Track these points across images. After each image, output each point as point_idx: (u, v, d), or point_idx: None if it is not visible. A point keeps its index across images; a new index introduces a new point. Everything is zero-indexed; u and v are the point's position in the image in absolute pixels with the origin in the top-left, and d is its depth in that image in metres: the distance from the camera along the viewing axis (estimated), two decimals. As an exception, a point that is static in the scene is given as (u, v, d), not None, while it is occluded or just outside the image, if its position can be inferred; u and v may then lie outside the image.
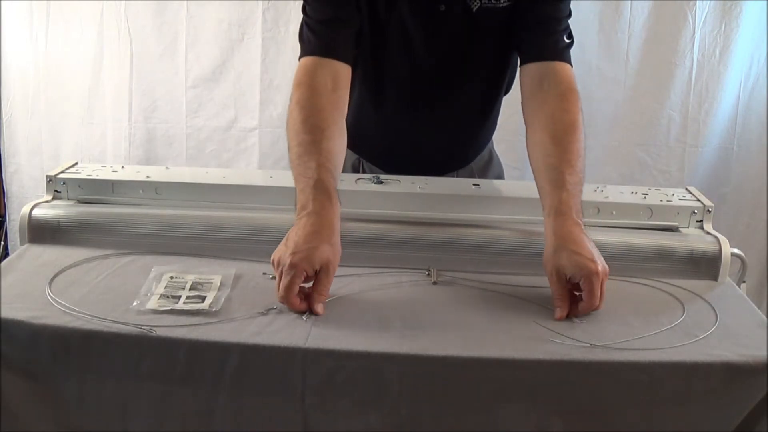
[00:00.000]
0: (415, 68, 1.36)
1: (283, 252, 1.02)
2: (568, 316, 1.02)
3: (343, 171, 1.44)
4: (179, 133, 2.47)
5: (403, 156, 1.48)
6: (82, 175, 1.29)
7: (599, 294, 1.01)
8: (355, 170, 1.53)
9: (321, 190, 1.07)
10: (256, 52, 2.37)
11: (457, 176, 1.53)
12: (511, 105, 1.54)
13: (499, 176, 1.61)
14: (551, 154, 1.13)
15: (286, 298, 1.00)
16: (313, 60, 1.25)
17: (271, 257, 1.04)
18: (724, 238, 1.21)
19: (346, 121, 1.26)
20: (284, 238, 1.05)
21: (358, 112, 1.43)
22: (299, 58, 1.29)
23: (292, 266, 0.99)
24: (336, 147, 1.16)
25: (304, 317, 1.00)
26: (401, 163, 1.44)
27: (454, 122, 1.45)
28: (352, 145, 1.30)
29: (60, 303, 1.00)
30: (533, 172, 1.17)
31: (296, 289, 0.99)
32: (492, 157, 1.61)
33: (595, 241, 1.09)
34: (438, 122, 1.43)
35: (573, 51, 1.29)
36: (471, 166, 1.56)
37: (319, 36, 1.25)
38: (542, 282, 1.15)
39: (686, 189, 1.35)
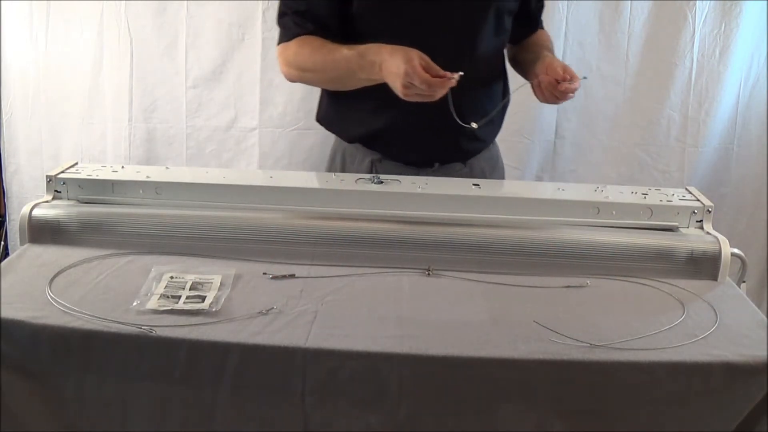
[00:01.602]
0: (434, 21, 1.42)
1: (396, 74, 1.24)
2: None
3: (359, 170, 1.50)
4: (179, 133, 2.47)
5: (417, 139, 1.49)
6: (82, 175, 1.29)
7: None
8: (369, 171, 1.52)
9: (369, 53, 1.32)
10: (256, 52, 2.37)
11: (470, 169, 1.54)
12: (511, 105, 1.55)
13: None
14: (535, 42, 1.61)
15: (436, 85, 1.22)
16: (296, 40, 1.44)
17: (398, 90, 1.25)
18: (724, 238, 1.21)
19: (361, 116, 1.46)
20: (384, 77, 1.28)
21: (374, 100, 1.44)
22: (279, 44, 1.47)
23: (414, 68, 1.22)
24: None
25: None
26: (418, 146, 1.48)
27: (470, 84, 1.40)
28: (367, 140, 1.47)
29: (60, 303, 1.00)
30: (520, 54, 1.59)
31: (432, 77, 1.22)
32: (498, 159, 1.65)
33: (595, 241, 1.18)
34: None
35: (573, 50, 1.37)
36: (481, 163, 1.56)
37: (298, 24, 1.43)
38: (542, 282, 1.15)
39: (686, 189, 1.35)
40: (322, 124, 1.62)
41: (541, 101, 1.44)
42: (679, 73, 2.35)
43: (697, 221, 1.27)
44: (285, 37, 1.47)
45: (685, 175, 2.41)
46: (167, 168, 1.38)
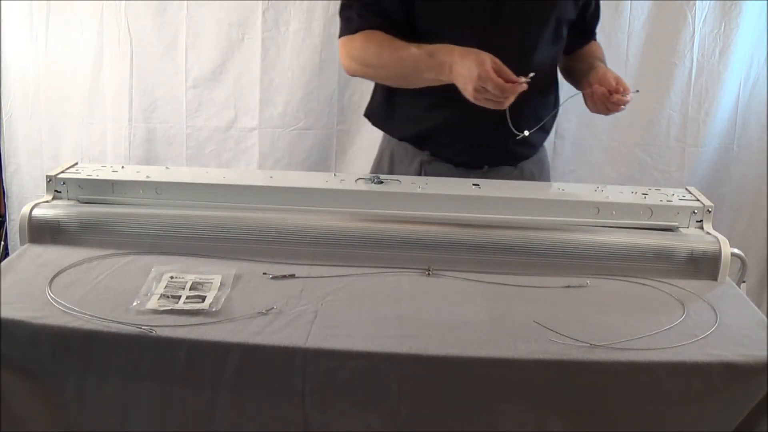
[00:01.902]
0: (499, 30, 1.42)
1: (468, 78, 1.24)
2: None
3: (407, 171, 1.50)
4: (179, 133, 2.47)
5: (472, 140, 1.48)
6: (82, 175, 1.29)
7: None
8: (417, 173, 1.52)
9: (440, 52, 1.32)
10: (256, 52, 2.37)
11: (520, 171, 1.55)
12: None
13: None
14: (588, 53, 1.62)
15: (508, 90, 1.23)
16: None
17: (469, 93, 1.25)
18: (724, 238, 1.21)
19: (415, 114, 1.47)
20: (454, 79, 1.28)
21: (429, 98, 1.44)
22: (342, 36, 1.46)
23: (486, 72, 1.22)
24: None
25: None
26: (470, 147, 1.49)
27: (527, 92, 1.40)
28: (418, 139, 1.49)
29: (60, 303, 1.00)
30: (573, 64, 1.60)
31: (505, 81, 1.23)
32: (546, 163, 1.66)
33: (595, 241, 1.19)
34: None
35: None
36: (530, 167, 1.57)
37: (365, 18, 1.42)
38: (542, 282, 1.15)
39: (686, 189, 1.35)
40: (371, 120, 1.61)
41: (592, 111, 1.47)
42: (679, 73, 2.35)
43: (697, 221, 1.28)
44: (348, 29, 1.45)
45: (685, 175, 2.41)
46: (167, 168, 1.38)
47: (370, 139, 2.45)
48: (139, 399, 0.97)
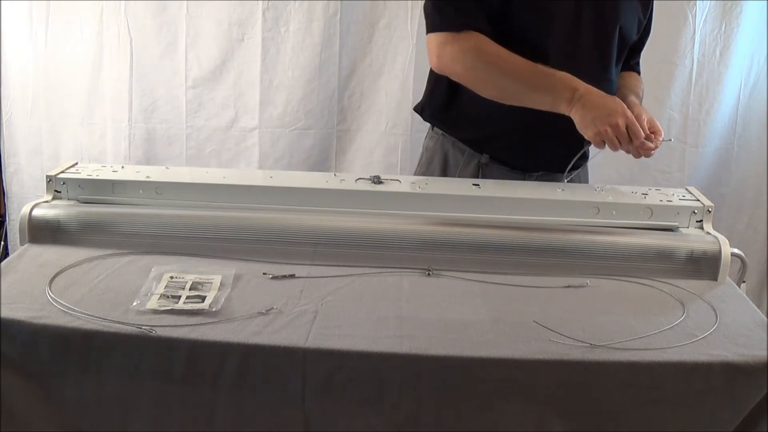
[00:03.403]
0: (576, 48, 1.41)
1: (613, 109, 1.26)
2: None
3: (463, 174, 1.50)
4: (179, 133, 2.47)
5: (537, 146, 1.48)
6: (82, 175, 1.29)
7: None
8: (474, 175, 1.51)
9: (573, 79, 1.31)
10: (256, 52, 2.37)
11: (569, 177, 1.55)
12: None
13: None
14: (624, 85, 1.58)
15: (640, 137, 1.25)
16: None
17: (596, 133, 1.26)
18: (724, 238, 1.21)
19: (477, 115, 1.46)
20: (579, 116, 1.28)
21: (487, 109, 1.43)
22: (437, 31, 1.39)
23: (624, 116, 1.25)
24: None
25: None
26: (532, 153, 1.48)
27: None
28: (482, 141, 1.48)
29: (60, 303, 1.00)
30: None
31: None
32: (587, 170, 1.68)
33: (595, 241, 1.19)
34: None
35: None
36: (579, 174, 1.57)
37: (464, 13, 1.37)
38: (542, 282, 1.15)
39: (686, 189, 1.35)
40: (424, 115, 1.59)
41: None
42: (680, 73, 2.35)
43: (697, 221, 1.27)
44: (443, 25, 1.38)
45: (685, 175, 2.42)
46: (167, 168, 1.38)
47: (370, 139, 2.46)
48: (139, 399, 0.97)
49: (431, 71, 1.53)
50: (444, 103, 1.53)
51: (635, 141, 1.26)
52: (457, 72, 1.40)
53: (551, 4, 1.39)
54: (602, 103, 1.28)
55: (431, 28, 1.41)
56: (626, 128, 1.26)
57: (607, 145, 1.29)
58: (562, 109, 1.31)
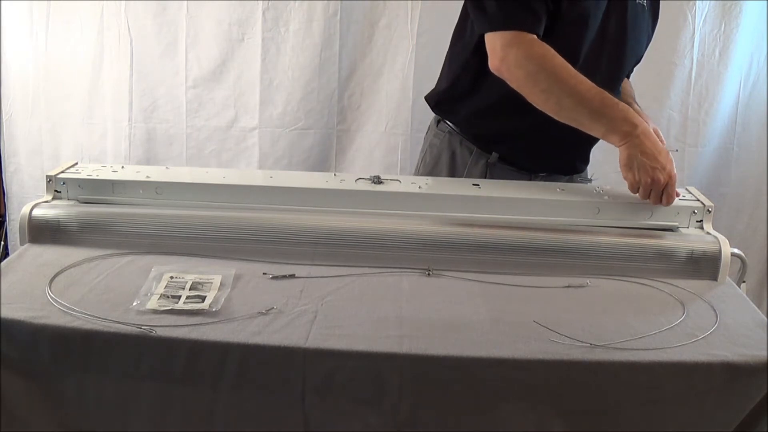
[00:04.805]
0: (598, 62, 1.41)
1: (648, 170, 1.23)
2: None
3: (470, 174, 1.50)
4: (179, 133, 2.47)
5: (547, 149, 1.48)
6: (82, 175, 1.29)
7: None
8: (482, 174, 1.51)
9: (635, 115, 1.28)
10: (256, 52, 2.37)
11: (571, 180, 1.56)
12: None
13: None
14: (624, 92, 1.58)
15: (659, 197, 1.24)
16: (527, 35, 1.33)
17: (636, 179, 1.24)
18: (724, 238, 1.21)
19: (492, 114, 1.46)
20: (626, 155, 1.25)
21: (505, 107, 1.41)
22: (501, 30, 1.33)
23: (669, 175, 1.23)
24: None
25: None
26: (540, 155, 1.49)
27: None
28: (493, 140, 1.48)
29: (60, 303, 1.00)
30: None
31: None
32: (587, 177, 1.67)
33: (595, 242, 1.19)
34: None
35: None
36: (582, 177, 1.59)
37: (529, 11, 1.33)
38: (542, 282, 1.15)
39: (686, 189, 1.35)
40: (436, 107, 1.58)
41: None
42: (679, 73, 2.35)
43: (697, 221, 1.28)
44: (508, 24, 1.32)
45: (685, 175, 2.41)
46: (167, 168, 1.38)
47: (370, 139, 2.46)
48: (139, 399, 0.97)
49: (449, 62, 1.53)
50: (458, 98, 1.51)
51: (665, 200, 1.25)
52: (517, 77, 1.32)
53: (587, 13, 1.37)
54: (654, 153, 1.24)
55: (493, 26, 1.34)
56: (672, 182, 1.24)
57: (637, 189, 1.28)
58: (612, 140, 1.28)
